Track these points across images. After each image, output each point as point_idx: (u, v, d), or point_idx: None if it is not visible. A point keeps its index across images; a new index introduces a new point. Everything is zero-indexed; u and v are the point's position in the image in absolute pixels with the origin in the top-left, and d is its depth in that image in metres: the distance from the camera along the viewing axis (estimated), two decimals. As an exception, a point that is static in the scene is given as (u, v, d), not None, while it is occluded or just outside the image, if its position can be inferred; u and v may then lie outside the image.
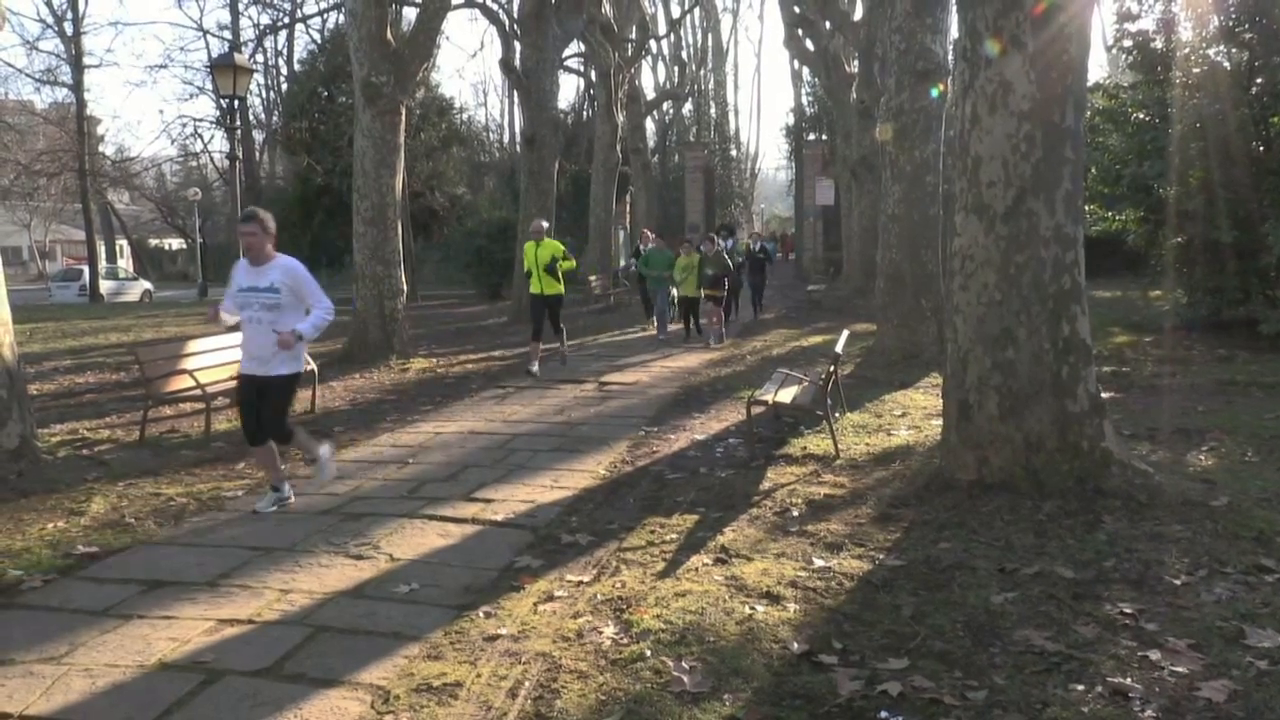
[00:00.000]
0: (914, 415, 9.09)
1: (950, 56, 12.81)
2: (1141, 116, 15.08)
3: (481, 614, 4.51)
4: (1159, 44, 14.67)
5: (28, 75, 44.10)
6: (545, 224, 13.27)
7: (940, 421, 6.99)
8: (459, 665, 3.96)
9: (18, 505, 6.68)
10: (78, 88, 36.32)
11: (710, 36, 59.52)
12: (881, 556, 5.14)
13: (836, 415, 8.47)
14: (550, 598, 4.71)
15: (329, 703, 3.66)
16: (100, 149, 42.86)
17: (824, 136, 41.93)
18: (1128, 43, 14.95)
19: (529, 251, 13.04)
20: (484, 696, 3.68)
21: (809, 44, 28.12)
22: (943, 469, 6.45)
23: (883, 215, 13.49)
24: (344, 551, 5.49)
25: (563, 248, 13.03)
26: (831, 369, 8.22)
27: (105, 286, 38.40)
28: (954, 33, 12.55)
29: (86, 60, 37.35)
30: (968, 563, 4.95)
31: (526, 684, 3.77)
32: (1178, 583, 4.60)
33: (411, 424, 9.54)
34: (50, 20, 37.31)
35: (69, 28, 36.51)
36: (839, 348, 8.64)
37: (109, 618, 4.57)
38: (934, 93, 12.52)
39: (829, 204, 36.19)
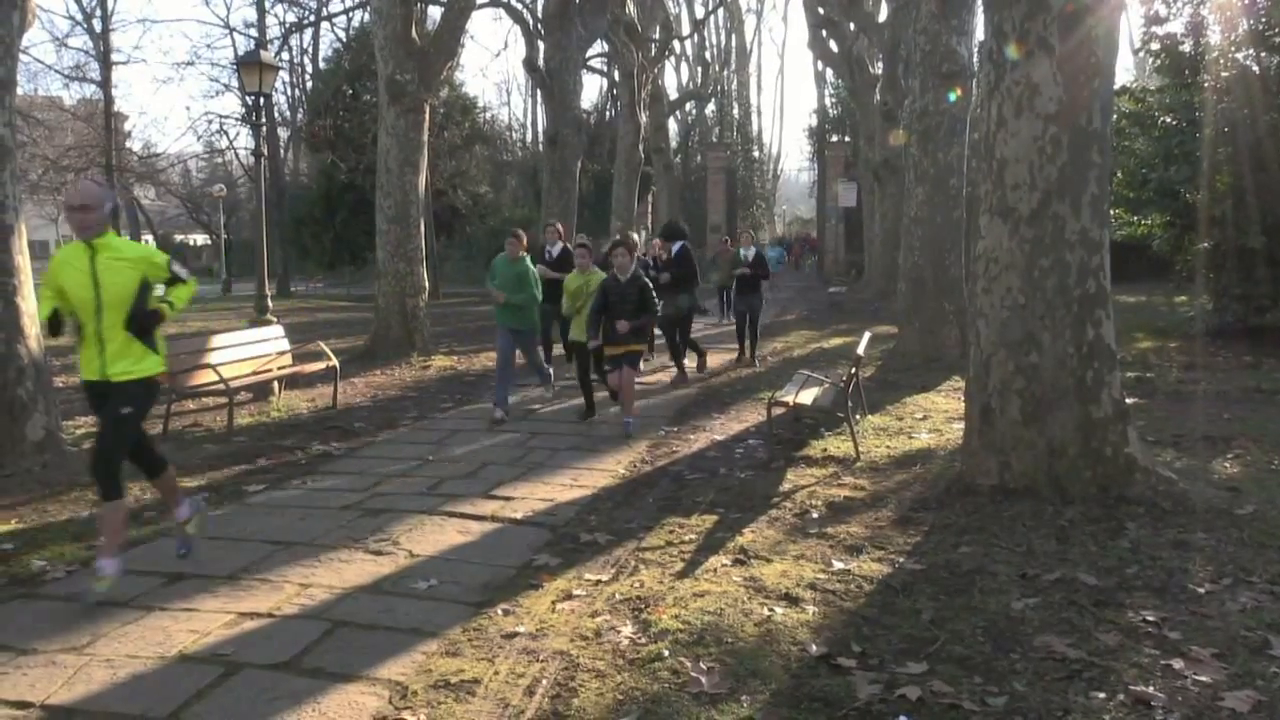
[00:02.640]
0: (935, 419, 9.05)
1: (976, 58, 12.73)
2: (1169, 120, 14.94)
3: (500, 611, 4.52)
4: (1188, 47, 14.52)
5: (57, 71, 44.36)
6: (101, 194, 4.97)
7: (962, 425, 6.95)
8: (477, 662, 3.96)
9: (42, 496, 6.75)
10: (106, 84, 36.58)
11: (734, 37, 59.49)
12: (901, 560, 5.11)
13: (857, 417, 8.43)
14: (568, 596, 4.71)
15: (347, 697, 3.68)
16: (127, 145, 43.16)
17: (847, 138, 41.84)
18: (1155, 46, 14.81)
19: (69, 273, 4.92)
20: (501, 694, 3.68)
21: (833, 45, 28.08)
22: (964, 473, 6.40)
23: (906, 218, 13.45)
24: (364, 547, 5.51)
25: (164, 259, 5.19)
26: (853, 371, 8.19)
27: (130, 281, 38.65)
28: (980, 35, 12.51)
29: (115, 57, 37.65)
30: (988, 568, 4.92)
31: (544, 682, 3.77)
32: (1202, 591, 4.55)
33: (431, 420, 9.56)
34: (79, 17, 37.59)
35: (98, 25, 36.78)
36: (860, 350, 8.61)
37: (130, 609, 4.60)
38: (951, 97, 12.45)
39: (851, 206, 36.08)
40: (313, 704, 3.62)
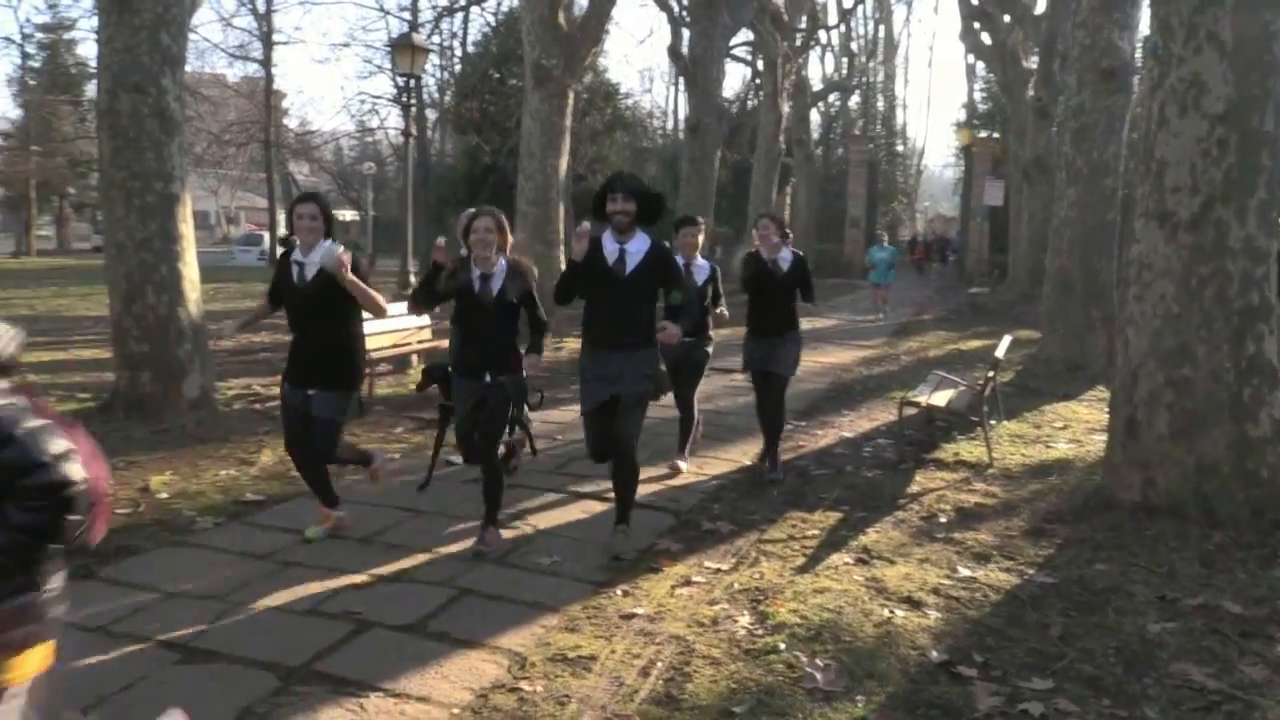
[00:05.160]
0: (1075, 428, 8.71)
1: (1138, 54, 12.16)
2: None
3: (619, 592, 4.57)
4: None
5: (222, 50, 46.69)
6: None
7: (1103, 437, 6.68)
8: (594, 640, 4.03)
9: (195, 452, 7.15)
10: (267, 63, 38.27)
11: (882, 28, 58.19)
12: (1031, 572, 4.95)
13: (992, 423, 8.18)
14: (688, 582, 4.73)
15: (468, 663, 3.79)
16: (285, 122, 45.16)
17: (995, 134, 40.47)
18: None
19: None
20: (616, 672, 3.73)
21: (985, 38, 27.18)
22: (1103, 487, 6.15)
23: (1055, 218, 12.93)
24: (490, 520, 5.65)
25: None
26: (990, 375, 7.94)
27: (283, 252, 40.45)
28: (1143, 28, 11.90)
29: (276, 37, 39.31)
30: (1125, 587, 4.72)
31: (659, 664, 3.80)
32: (1361, 628, 4.27)
33: (562, 402, 9.70)
34: (246, -1, 39.37)
35: (261, 6, 38.48)
36: (999, 353, 8.35)
37: (270, 562, 4.84)
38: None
39: (997, 204, 34.91)
40: (436, 666, 3.74)
